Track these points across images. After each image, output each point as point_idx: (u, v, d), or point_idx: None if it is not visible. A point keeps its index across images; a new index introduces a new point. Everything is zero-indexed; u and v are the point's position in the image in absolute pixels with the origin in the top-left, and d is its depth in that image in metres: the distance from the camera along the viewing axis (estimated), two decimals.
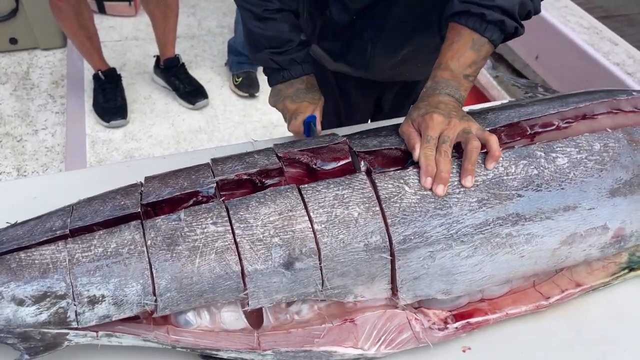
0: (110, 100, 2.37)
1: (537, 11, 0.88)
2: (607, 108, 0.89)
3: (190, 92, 2.49)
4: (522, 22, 0.86)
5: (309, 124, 1.01)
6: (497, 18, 0.82)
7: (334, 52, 1.16)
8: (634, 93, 0.91)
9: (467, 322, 0.78)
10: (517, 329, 0.81)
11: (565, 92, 1.00)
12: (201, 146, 2.33)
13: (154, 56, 2.56)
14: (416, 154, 0.76)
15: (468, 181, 0.74)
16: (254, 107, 2.55)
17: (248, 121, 2.47)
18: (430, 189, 0.74)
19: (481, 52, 0.83)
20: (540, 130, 0.85)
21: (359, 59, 1.13)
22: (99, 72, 2.38)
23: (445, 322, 0.78)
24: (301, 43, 1.02)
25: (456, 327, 0.77)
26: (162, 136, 2.36)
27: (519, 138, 0.85)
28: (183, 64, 2.54)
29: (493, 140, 0.75)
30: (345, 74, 1.20)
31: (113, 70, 2.42)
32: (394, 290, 0.76)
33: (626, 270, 0.87)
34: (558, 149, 0.79)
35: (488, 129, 0.82)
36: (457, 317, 0.78)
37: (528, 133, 0.85)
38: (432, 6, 0.98)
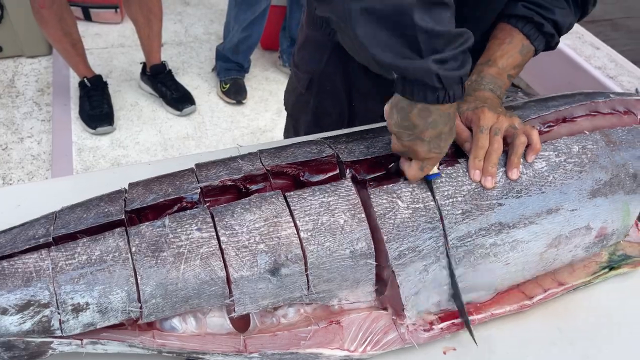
0: (96, 108, 2.36)
1: (570, 29, 0.92)
2: (586, 110, 0.90)
3: (178, 98, 2.49)
4: None
5: (430, 182, 0.77)
6: (550, 31, 0.86)
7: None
8: (611, 95, 0.93)
9: (452, 322, 0.79)
10: (501, 328, 0.82)
11: (545, 95, 1.01)
12: (188, 152, 2.33)
13: (141, 63, 2.56)
14: (467, 148, 0.77)
15: (514, 174, 0.77)
16: (242, 113, 2.56)
17: (235, 127, 2.48)
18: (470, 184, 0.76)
19: (526, 57, 0.87)
20: None
21: None
22: (85, 79, 2.37)
23: (431, 323, 0.78)
24: (469, 46, 0.68)
25: (441, 328, 0.78)
26: (149, 143, 2.35)
27: (504, 147, 0.85)
28: (170, 70, 2.53)
29: (535, 135, 0.78)
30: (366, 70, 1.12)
31: (99, 77, 2.41)
32: (377, 292, 0.76)
33: (607, 270, 0.88)
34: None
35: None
36: (442, 318, 0.79)
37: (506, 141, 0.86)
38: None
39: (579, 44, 2.10)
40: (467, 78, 0.77)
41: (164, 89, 2.50)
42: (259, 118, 2.53)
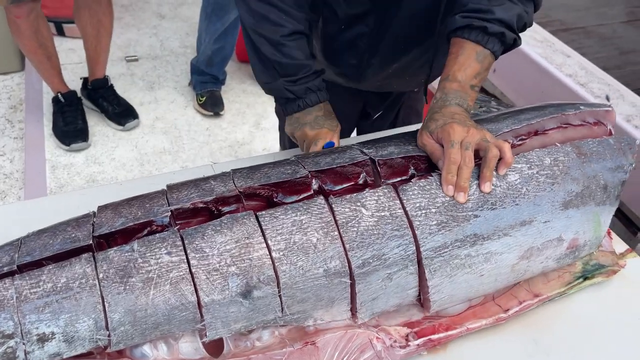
0: (70, 124, 2.31)
1: (531, 23, 0.93)
2: (557, 123, 0.91)
3: (120, 113, 2.43)
4: (519, 33, 0.91)
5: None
6: (497, 30, 0.87)
7: (328, 61, 1.15)
8: (581, 107, 0.94)
9: (429, 338, 0.78)
10: (477, 342, 0.82)
11: (517, 107, 1.02)
12: (165, 167, 2.30)
13: (81, 78, 2.49)
14: (441, 166, 0.79)
15: (487, 187, 0.78)
16: (219, 126, 2.54)
17: (213, 141, 2.45)
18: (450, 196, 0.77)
19: (484, 63, 0.88)
20: None
21: (352, 70, 1.14)
22: (59, 94, 2.33)
23: (407, 340, 0.78)
24: (316, 71, 1.00)
25: (417, 344, 0.77)
26: (125, 159, 2.32)
27: (476, 160, 0.86)
28: (112, 85, 2.47)
29: (507, 148, 0.79)
30: (334, 83, 1.20)
31: (73, 92, 2.37)
32: (353, 311, 0.76)
33: (581, 280, 0.89)
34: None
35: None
36: (419, 334, 0.78)
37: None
38: (428, 20, 1.01)
39: (550, 53, 2.14)
40: (318, 87, 1.01)
41: (105, 104, 2.43)
42: (237, 131, 2.52)
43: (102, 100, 2.44)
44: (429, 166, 0.82)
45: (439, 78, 0.92)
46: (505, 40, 0.89)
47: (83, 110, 2.40)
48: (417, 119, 1.42)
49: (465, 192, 0.76)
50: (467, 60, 0.87)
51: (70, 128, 2.31)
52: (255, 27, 0.98)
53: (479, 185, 0.78)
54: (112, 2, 2.27)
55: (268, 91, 1.04)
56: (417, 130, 0.88)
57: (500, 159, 0.79)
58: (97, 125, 2.46)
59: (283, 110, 1.04)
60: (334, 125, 1.02)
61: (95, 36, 2.27)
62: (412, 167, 0.81)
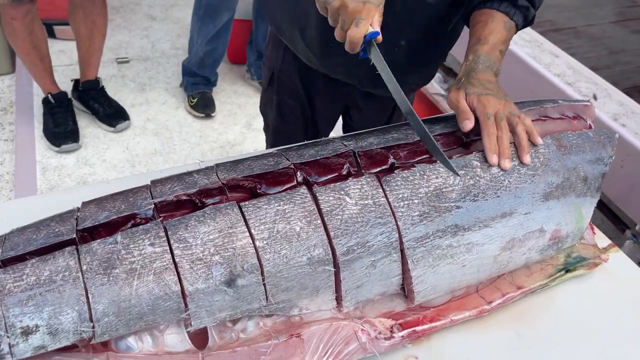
0: (60, 125, 2.31)
1: (539, 5, 0.99)
2: (536, 115, 0.92)
3: (111, 114, 2.43)
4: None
5: (369, 42, 0.79)
6: (524, 4, 0.94)
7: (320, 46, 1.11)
8: (559, 101, 0.95)
9: (413, 330, 0.79)
10: (461, 335, 0.82)
11: None
12: (156, 168, 2.30)
13: (72, 80, 2.49)
14: (466, 126, 0.82)
15: (527, 158, 0.82)
16: (210, 127, 2.54)
17: (204, 142, 2.46)
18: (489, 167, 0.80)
19: (510, 33, 0.94)
20: (475, 138, 0.88)
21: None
22: (49, 95, 2.32)
23: (391, 331, 0.78)
24: None
25: (402, 336, 0.78)
26: (116, 160, 2.32)
27: (455, 146, 0.87)
28: (103, 87, 2.47)
29: (529, 122, 0.85)
30: (315, 71, 1.19)
31: (63, 93, 2.37)
32: (339, 299, 0.76)
33: (563, 272, 0.90)
34: None
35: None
36: (403, 326, 0.79)
37: (464, 141, 0.87)
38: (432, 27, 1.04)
39: (539, 53, 2.16)
40: None
41: (96, 105, 2.43)
42: (228, 132, 2.52)
43: (93, 102, 2.44)
44: (408, 154, 0.83)
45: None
46: (527, 16, 0.96)
47: (73, 111, 2.40)
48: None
49: (509, 159, 0.81)
50: (497, 27, 0.92)
51: (60, 129, 2.30)
52: None
53: (519, 157, 0.82)
54: (107, 3, 2.27)
55: None
56: (393, 125, 0.90)
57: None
58: (88, 127, 2.45)
59: None
60: (380, 1, 0.80)
61: (89, 37, 2.27)
62: (391, 157, 0.82)
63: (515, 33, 0.96)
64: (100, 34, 2.29)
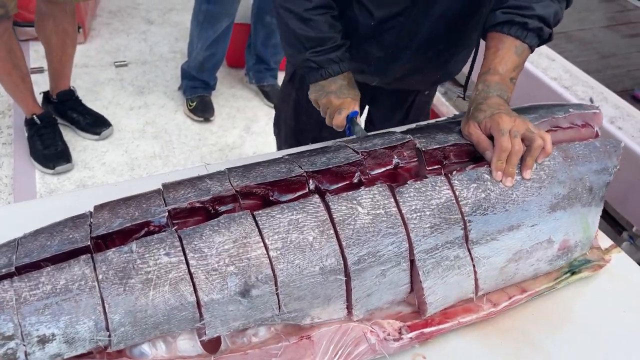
0: (50, 146, 2.20)
1: (561, 19, 0.99)
2: (548, 127, 0.94)
3: (92, 123, 2.37)
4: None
5: (352, 119, 1.06)
6: (536, 26, 0.93)
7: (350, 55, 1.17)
8: (570, 110, 0.96)
9: (421, 332, 0.80)
10: (468, 336, 0.84)
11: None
12: (156, 172, 2.30)
13: (41, 93, 2.36)
14: (489, 157, 0.84)
15: (527, 174, 0.83)
16: (209, 130, 2.54)
17: (203, 145, 2.46)
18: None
19: (522, 56, 0.94)
20: None
21: (376, 63, 1.17)
22: (34, 116, 2.19)
23: (400, 333, 0.79)
24: (340, 44, 1.06)
25: (410, 337, 0.79)
26: (115, 163, 2.31)
27: (466, 159, 0.88)
28: (77, 96, 2.39)
29: (548, 139, 0.85)
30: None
31: (49, 112, 2.26)
32: (349, 308, 0.77)
33: (568, 274, 0.91)
34: None
35: (437, 146, 0.86)
36: (411, 328, 0.80)
37: (476, 155, 0.88)
38: (461, 18, 1.07)
39: (535, 57, 2.18)
40: (341, 58, 1.06)
41: (74, 115, 2.34)
42: (227, 135, 2.52)
43: (72, 112, 2.35)
44: (412, 153, 0.85)
45: (476, 73, 0.98)
46: (542, 35, 0.95)
47: (60, 130, 2.28)
48: (425, 119, 1.45)
49: (512, 177, 0.82)
50: (507, 54, 0.92)
51: (51, 151, 2.20)
52: (283, 3, 1.04)
53: (520, 172, 0.83)
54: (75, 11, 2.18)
55: (293, 62, 1.12)
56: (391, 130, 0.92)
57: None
58: (81, 132, 2.43)
59: (307, 78, 1.10)
60: (357, 95, 1.09)
61: (61, 46, 2.16)
62: (395, 157, 0.84)
63: (533, 51, 0.96)
64: (72, 43, 2.20)
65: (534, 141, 0.83)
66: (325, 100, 1.08)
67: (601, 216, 1.93)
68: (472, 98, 0.93)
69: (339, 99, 1.06)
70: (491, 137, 0.85)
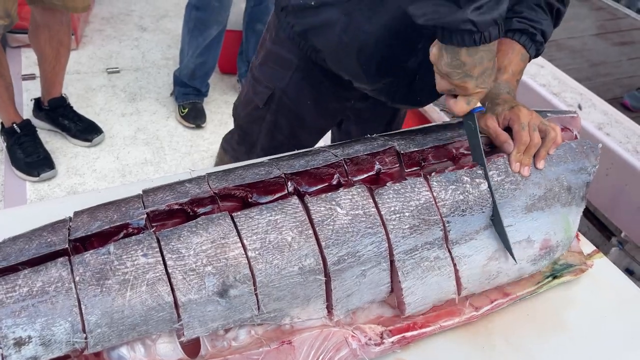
0: (32, 154, 2.19)
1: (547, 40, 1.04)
2: None
3: (84, 129, 2.38)
4: None
5: (473, 115, 0.87)
6: (540, 40, 1.00)
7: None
8: (548, 114, 0.98)
9: (403, 336, 0.80)
10: (449, 340, 0.84)
11: None
12: (147, 178, 2.30)
13: (32, 100, 2.40)
14: (508, 149, 0.86)
15: (541, 164, 0.87)
16: (201, 137, 2.55)
17: (195, 151, 2.46)
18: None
19: (524, 64, 1.00)
20: (465, 152, 0.90)
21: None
22: (14, 124, 2.18)
23: (381, 337, 0.79)
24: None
25: (392, 342, 0.79)
26: (106, 170, 2.31)
27: (445, 159, 0.89)
28: (69, 103, 2.40)
29: (559, 131, 0.90)
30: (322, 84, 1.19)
31: (28, 121, 2.25)
32: (329, 308, 0.77)
33: (550, 278, 0.92)
34: (481, 173, 0.83)
35: (416, 149, 0.87)
36: (393, 332, 0.80)
37: (454, 155, 0.89)
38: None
39: None
40: (503, 18, 0.78)
41: (66, 122, 2.36)
42: (219, 142, 2.51)
43: (63, 119, 2.36)
44: (393, 159, 0.85)
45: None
46: (539, 50, 1.01)
47: (39, 137, 2.27)
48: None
49: (529, 167, 0.86)
50: (515, 59, 0.98)
51: (33, 158, 2.19)
52: None
53: (534, 163, 0.86)
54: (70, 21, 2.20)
55: (441, 23, 0.78)
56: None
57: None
58: (72, 139, 2.43)
59: (447, 39, 0.79)
60: (489, 90, 0.90)
61: (55, 56, 2.18)
62: (377, 163, 0.84)
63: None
64: (66, 52, 2.22)
65: (548, 133, 0.87)
66: (460, 81, 0.83)
67: (590, 222, 1.94)
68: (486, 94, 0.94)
69: (476, 88, 0.84)
70: (507, 129, 0.88)
